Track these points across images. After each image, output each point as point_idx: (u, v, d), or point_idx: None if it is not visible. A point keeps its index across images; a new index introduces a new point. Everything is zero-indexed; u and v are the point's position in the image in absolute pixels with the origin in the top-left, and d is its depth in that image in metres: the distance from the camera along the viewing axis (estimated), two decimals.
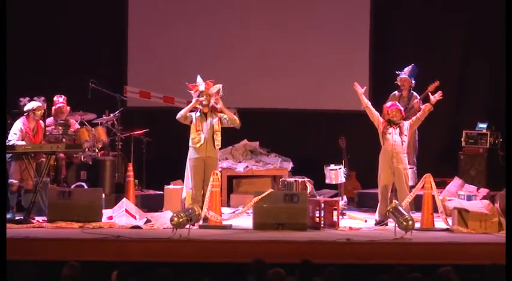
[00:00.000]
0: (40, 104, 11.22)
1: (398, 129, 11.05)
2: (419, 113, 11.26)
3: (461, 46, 14.50)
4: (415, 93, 12.50)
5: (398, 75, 12.56)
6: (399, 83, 12.56)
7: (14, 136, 11.05)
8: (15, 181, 11.03)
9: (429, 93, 11.45)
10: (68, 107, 12.39)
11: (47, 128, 11.87)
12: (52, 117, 12.28)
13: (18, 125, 11.14)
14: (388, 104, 11.28)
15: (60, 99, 12.35)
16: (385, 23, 14.58)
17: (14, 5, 13.65)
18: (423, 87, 12.26)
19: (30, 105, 11.21)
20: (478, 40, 14.35)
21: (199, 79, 11.15)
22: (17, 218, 10.79)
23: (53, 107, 12.30)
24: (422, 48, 14.24)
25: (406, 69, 12.56)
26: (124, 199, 11.34)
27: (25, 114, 11.22)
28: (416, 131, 12.33)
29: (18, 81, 13.19)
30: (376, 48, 14.49)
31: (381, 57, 14.40)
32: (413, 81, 12.54)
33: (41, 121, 11.40)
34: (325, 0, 14.67)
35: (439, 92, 11.26)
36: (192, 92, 11.15)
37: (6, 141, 10.97)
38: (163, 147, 13.49)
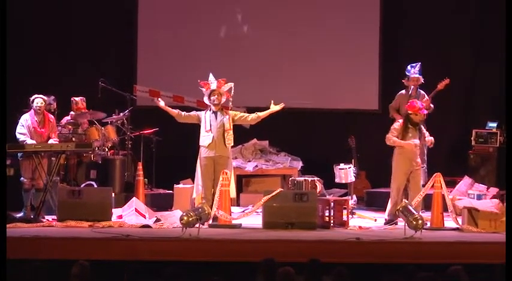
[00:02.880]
0: (38, 96, 11.14)
1: (417, 131, 11.05)
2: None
3: (471, 46, 14.47)
4: (422, 92, 12.46)
5: (407, 74, 12.48)
6: (410, 83, 12.47)
7: (22, 136, 11.03)
8: (26, 179, 11.06)
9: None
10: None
11: (58, 128, 11.89)
12: (70, 117, 12.32)
13: (22, 120, 11.12)
14: (418, 105, 11.13)
15: (84, 104, 12.34)
16: (395, 23, 14.55)
17: (24, 5, 13.70)
18: (431, 87, 12.23)
19: (31, 99, 11.20)
20: (488, 39, 14.31)
21: (211, 77, 11.13)
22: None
23: (77, 111, 12.28)
24: (432, 48, 14.21)
25: (417, 68, 12.49)
26: (134, 198, 11.34)
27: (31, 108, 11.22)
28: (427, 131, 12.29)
29: (26, 80, 13.22)
30: (386, 48, 14.46)
31: (390, 57, 14.37)
32: (422, 80, 12.51)
33: (51, 115, 11.40)
34: (335, 0, 14.68)
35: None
36: (203, 89, 11.14)
37: (19, 141, 11.00)
38: (173, 146, 13.50)
